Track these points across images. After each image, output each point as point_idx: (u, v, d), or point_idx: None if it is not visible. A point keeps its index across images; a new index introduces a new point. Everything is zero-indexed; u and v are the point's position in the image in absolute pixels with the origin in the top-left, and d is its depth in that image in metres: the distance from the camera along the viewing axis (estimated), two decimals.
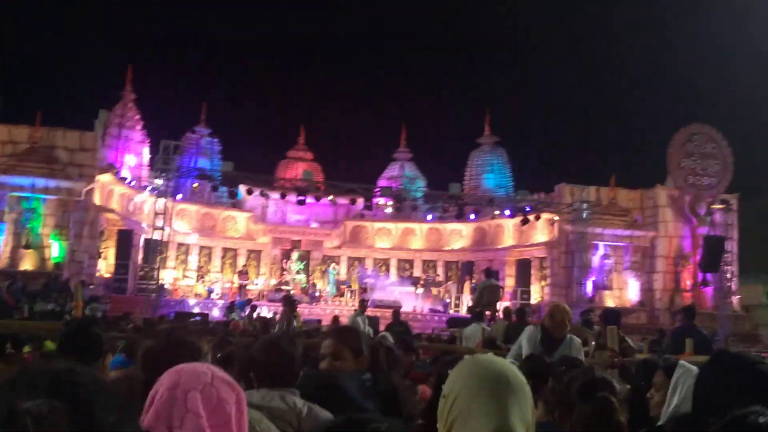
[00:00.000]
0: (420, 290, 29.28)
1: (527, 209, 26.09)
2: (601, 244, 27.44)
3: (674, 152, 27.12)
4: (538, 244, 28.76)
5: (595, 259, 27.35)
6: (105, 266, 26.60)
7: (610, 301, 25.72)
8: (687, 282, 27.09)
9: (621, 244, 27.67)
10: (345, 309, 26.74)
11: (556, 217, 27.19)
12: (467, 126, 39.29)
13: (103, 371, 3.68)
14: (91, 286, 23.13)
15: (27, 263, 22.91)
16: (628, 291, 27.66)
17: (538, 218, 26.60)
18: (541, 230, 28.67)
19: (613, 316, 8.76)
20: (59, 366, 1.10)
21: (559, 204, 26.92)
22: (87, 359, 3.46)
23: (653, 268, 27.60)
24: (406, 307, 26.10)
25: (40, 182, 23.05)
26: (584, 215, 25.52)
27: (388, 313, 20.58)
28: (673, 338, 10.21)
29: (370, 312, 23.27)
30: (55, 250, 23.44)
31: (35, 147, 23.72)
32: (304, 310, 26.21)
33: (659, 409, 3.58)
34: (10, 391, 0.88)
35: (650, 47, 40.19)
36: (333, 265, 30.93)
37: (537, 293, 28.38)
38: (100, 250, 26.06)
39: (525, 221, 26.27)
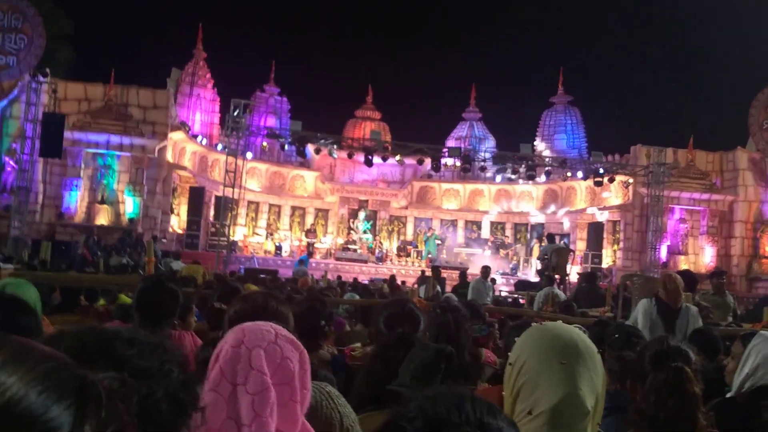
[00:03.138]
0: (488, 252, 29.15)
1: (601, 171, 25.50)
2: (677, 207, 26.73)
3: (756, 113, 26.05)
4: (611, 207, 28.19)
5: (671, 223, 26.69)
6: (177, 222, 27.33)
7: (684, 266, 25.08)
8: (766, 248, 26.21)
9: (698, 208, 26.87)
10: (411, 269, 26.90)
11: (631, 180, 26.54)
12: (539, 85, 38.55)
13: (185, 328, 3.74)
14: (164, 240, 23.83)
15: (102, 218, 23.69)
16: (704, 256, 26.93)
17: (612, 180, 26.00)
18: (615, 193, 28.08)
19: (687, 280, 8.31)
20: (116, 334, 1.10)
21: (634, 166, 26.25)
22: (162, 314, 3.52)
23: (731, 233, 26.76)
24: (473, 269, 26.04)
25: (115, 139, 23.68)
26: (660, 178, 24.82)
27: (455, 274, 20.60)
28: (754, 306, 9.92)
29: None
30: (129, 205, 24.16)
31: (109, 104, 24.32)
32: (371, 269, 26.53)
33: (732, 378, 3.48)
34: (75, 359, 0.88)
35: (733, 2, 38.37)
36: (435, 232, 30.66)
37: (609, 257, 27.90)
38: (173, 207, 26.76)
39: (598, 183, 25.73)
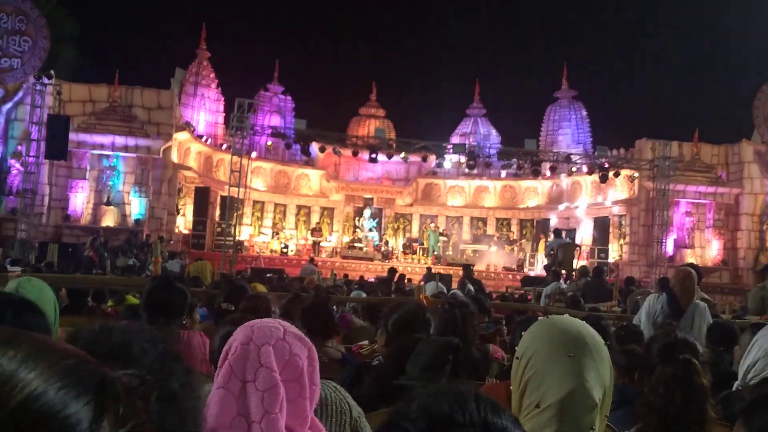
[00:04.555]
0: (493, 248, 29.12)
1: (606, 165, 25.44)
2: (682, 201, 26.67)
3: (761, 105, 26.02)
4: (616, 202, 28.13)
5: (677, 217, 26.63)
6: (183, 222, 27.37)
7: (691, 259, 25.04)
8: None
9: (704, 201, 26.81)
10: (417, 266, 26.91)
11: (636, 174, 26.48)
12: (543, 80, 38.38)
13: (192, 326, 3.75)
14: (171, 242, 23.88)
15: (108, 219, 23.76)
16: (711, 249, 26.88)
17: (617, 175, 25.95)
18: (621, 187, 28.01)
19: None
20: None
21: (639, 160, 26.19)
22: (171, 314, 3.51)
23: (737, 226, 26.70)
24: (480, 266, 26.04)
25: (120, 140, 23.76)
26: (666, 172, 24.76)
27: (461, 270, 20.59)
28: (754, 299, 9.90)
29: (442, 269, 23.38)
30: (135, 206, 24.25)
31: (114, 106, 24.40)
32: (377, 267, 26.53)
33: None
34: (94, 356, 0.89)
35: None
36: (433, 225, 30.87)
37: (615, 252, 27.84)
38: (179, 207, 26.80)
39: (604, 178, 25.68)
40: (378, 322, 4.80)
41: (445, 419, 0.97)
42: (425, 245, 29.90)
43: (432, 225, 31.02)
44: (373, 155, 25.57)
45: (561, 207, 30.40)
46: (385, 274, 22.05)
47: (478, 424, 0.97)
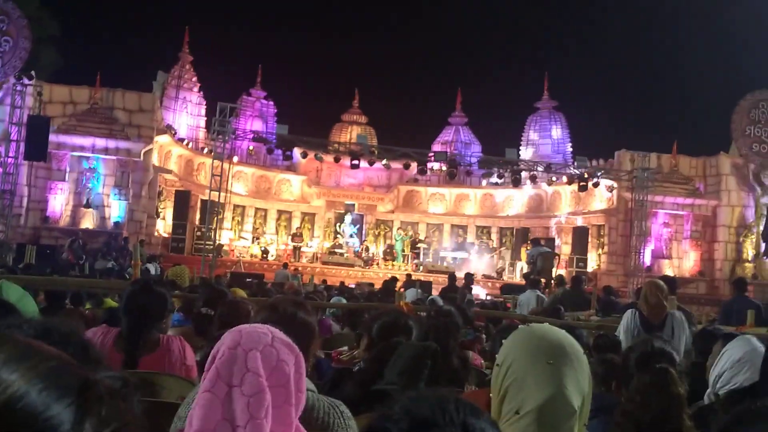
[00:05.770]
0: (474, 256, 29.18)
1: (585, 176, 25.62)
2: (660, 212, 26.90)
3: (739, 119, 26.30)
4: (595, 212, 28.31)
5: (655, 228, 26.85)
6: (163, 226, 27.18)
7: (668, 270, 25.25)
8: (749, 252, 26.42)
9: (681, 212, 27.05)
10: (397, 273, 26.90)
11: (615, 184, 26.69)
12: (525, 90, 38.53)
13: (166, 330, 3.74)
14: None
15: (87, 222, 23.54)
16: (688, 260, 27.12)
17: (596, 185, 26.13)
18: (600, 197, 28.20)
19: (667, 285, 8.20)
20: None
21: (618, 171, 26.41)
22: (151, 318, 3.49)
23: (714, 237, 26.96)
24: (459, 273, 26.04)
25: (100, 142, 23.57)
26: (644, 183, 24.99)
27: (441, 278, 20.63)
28: (724, 310, 9.97)
29: (422, 276, 23.40)
30: (114, 209, 24.04)
31: (95, 108, 24.20)
32: (357, 273, 26.49)
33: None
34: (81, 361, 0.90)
35: (716, 9, 38.68)
36: (401, 231, 30.92)
37: (594, 261, 28.00)
38: (159, 210, 26.62)
39: (583, 188, 25.85)
40: (358, 329, 4.81)
41: (426, 421, 1.00)
42: (406, 252, 29.92)
43: (399, 230, 31.01)
44: (355, 161, 25.56)
45: (540, 216, 30.56)
46: (365, 280, 22.08)
47: (458, 426, 1.00)
